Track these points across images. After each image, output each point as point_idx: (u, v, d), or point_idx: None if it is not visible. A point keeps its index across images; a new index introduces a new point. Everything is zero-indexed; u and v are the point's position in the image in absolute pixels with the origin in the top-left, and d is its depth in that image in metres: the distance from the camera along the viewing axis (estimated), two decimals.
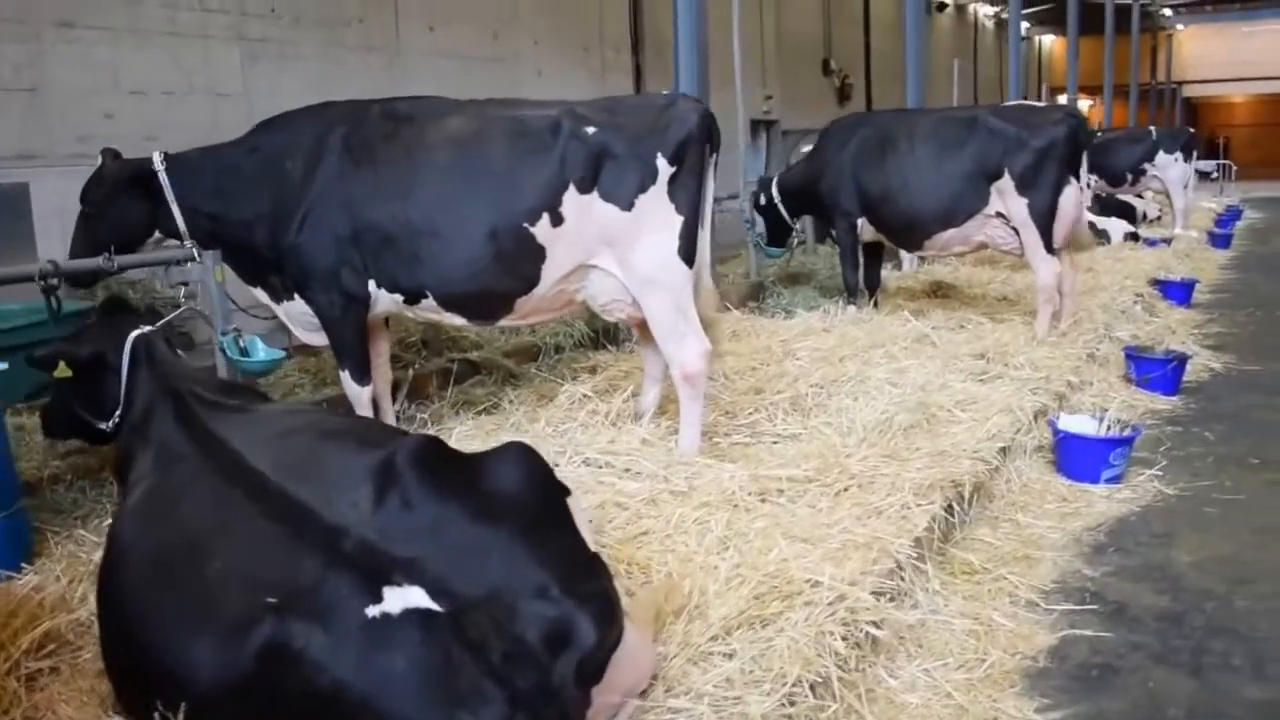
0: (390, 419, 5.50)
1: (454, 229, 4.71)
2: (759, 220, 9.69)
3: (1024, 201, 7.44)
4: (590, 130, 4.65)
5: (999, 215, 7.61)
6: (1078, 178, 7.59)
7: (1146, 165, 15.76)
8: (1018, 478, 5.19)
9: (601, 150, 4.63)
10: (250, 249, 5.02)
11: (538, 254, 4.71)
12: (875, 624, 3.32)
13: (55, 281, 4.31)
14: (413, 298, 4.93)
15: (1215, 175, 27.81)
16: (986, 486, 4.87)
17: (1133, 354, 7.29)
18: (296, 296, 5.09)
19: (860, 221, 8.25)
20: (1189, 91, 41.53)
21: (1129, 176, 15.93)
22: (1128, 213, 15.62)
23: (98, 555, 3.37)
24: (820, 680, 2.98)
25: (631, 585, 3.46)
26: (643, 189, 4.63)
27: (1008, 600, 3.99)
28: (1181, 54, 39.88)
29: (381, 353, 5.49)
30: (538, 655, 2.35)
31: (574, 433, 4.97)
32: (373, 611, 2.31)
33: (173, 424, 3.34)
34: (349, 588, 2.35)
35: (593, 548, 2.79)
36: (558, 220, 4.66)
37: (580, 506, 2.96)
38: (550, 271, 4.76)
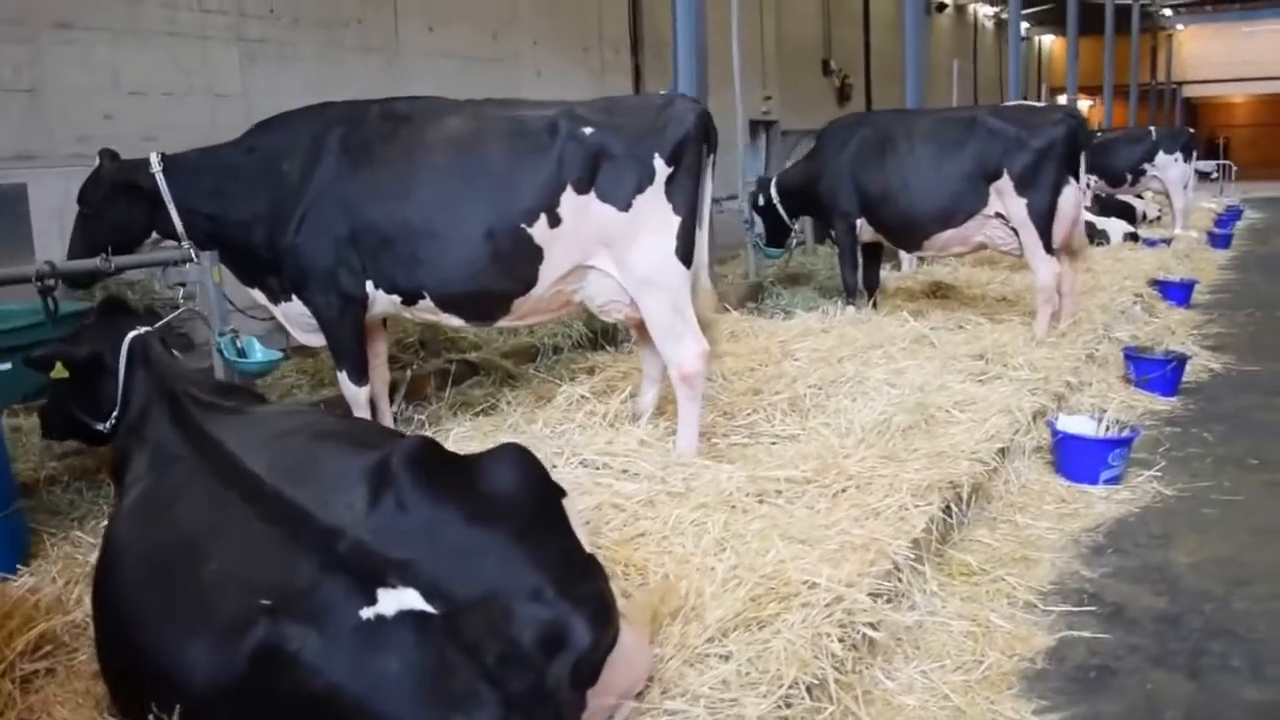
0: (388, 420, 5.50)
1: (452, 230, 4.71)
2: (758, 221, 9.67)
3: (1023, 202, 7.43)
4: (587, 131, 4.64)
5: (998, 216, 7.60)
6: (1077, 178, 7.60)
7: (1146, 165, 15.75)
8: (1016, 479, 5.18)
9: (599, 151, 4.62)
10: (248, 250, 5.02)
11: (535, 255, 4.71)
12: (872, 625, 3.31)
13: (52, 282, 4.30)
14: (410, 299, 4.93)
15: (1215, 175, 27.82)
16: (985, 487, 4.87)
17: (1132, 354, 7.28)
18: (294, 297, 5.09)
19: (859, 222, 8.24)
20: (1189, 92, 41.53)
21: (1129, 177, 15.93)
22: (1127, 213, 15.61)
23: (94, 557, 3.37)
24: (817, 682, 2.97)
25: (628, 587, 3.46)
26: (640, 189, 4.62)
27: (1005, 602, 3.98)
28: (1181, 54, 39.88)
29: (379, 354, 5.49)
30: (532, 657, 2.35)
31: (572, 434, 4.97)
32: (367, 613, 2.31)
33: (169, 425, 3.35)
34: (344, 590, 2.35)
35: (589, 549, 2.78)
36: (555, 221, 4.65)
37: (576, 508, 2.95)
38: (548, 272, 4.75)
